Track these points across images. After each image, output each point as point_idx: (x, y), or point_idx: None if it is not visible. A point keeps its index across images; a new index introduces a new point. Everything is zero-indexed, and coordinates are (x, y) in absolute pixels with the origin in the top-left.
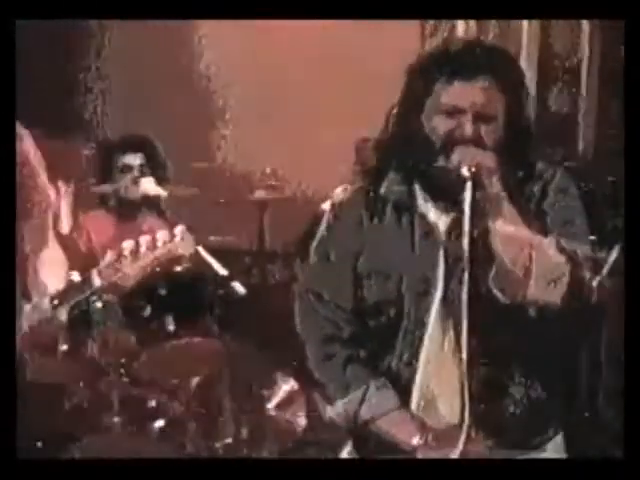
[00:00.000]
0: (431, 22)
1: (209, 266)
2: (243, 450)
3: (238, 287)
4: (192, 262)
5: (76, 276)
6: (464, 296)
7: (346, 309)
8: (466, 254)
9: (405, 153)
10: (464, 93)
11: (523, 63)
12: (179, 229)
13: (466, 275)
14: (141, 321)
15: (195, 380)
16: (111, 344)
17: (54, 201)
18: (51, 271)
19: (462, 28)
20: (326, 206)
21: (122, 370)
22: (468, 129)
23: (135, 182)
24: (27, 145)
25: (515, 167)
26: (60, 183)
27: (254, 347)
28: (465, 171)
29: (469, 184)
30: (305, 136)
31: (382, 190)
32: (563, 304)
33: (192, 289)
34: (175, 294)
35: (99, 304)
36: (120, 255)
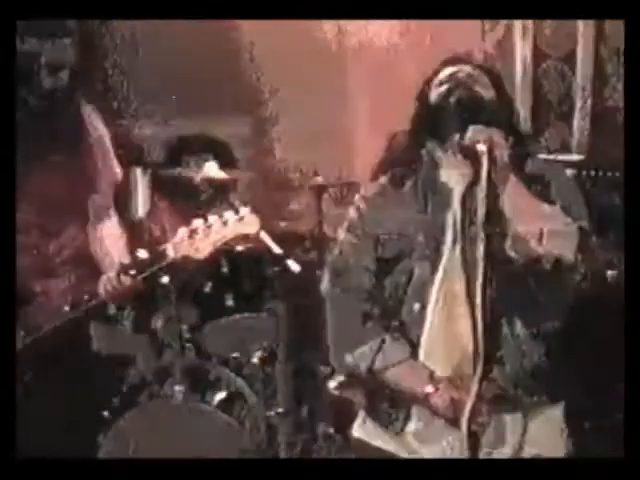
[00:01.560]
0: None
1: (266, 246)
2: (302, 426)
3: (293, 265)
4: (252, 242)
5: (143, 253)
6: (479, 253)
7: (370, 269)
8: (481, 217)
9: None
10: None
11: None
12: (245, 210)
13: (482, 234)
14: (203, 297)
15: (256, 354)
16: (175, 316)
17: (121, 180)
18: (112, 245)
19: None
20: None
21: (185, 342)
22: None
23: (199, 165)
24: (96, 122)
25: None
26: (137, 168)
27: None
28: (481, 146)
29: (485, 157)
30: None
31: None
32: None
33: (251, 267)
34: (235, 272)
35: (165, 279)
36: (192, 231)
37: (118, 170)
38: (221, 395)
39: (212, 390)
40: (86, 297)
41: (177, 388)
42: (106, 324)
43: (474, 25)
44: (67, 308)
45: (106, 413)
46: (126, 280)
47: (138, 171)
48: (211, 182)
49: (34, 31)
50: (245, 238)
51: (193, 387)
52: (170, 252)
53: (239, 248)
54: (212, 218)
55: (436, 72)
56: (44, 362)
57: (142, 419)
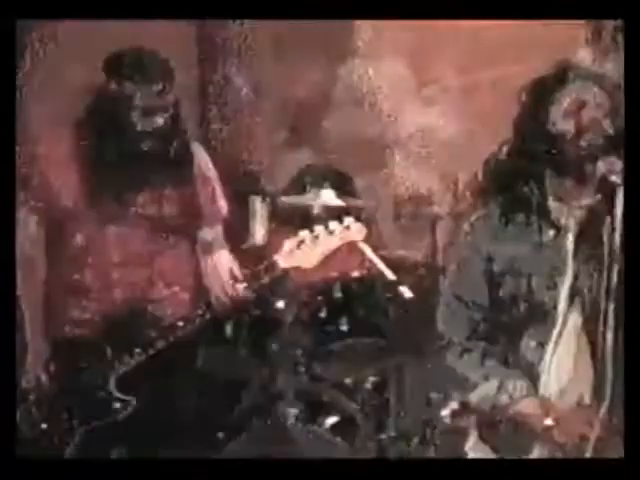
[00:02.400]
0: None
1: (380, 272)
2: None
3: (405, 291)
4: (365, 268)
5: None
6: (602, 291)
7: (483, 307)
8: (618, 249)
9: (535, 158)
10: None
11: None
12: (349, 219)
13: (616, 267)
14: (318, 321)
15: (369, 379)
16: (290, 341)
17: (226, 213)
18: (224, 273)
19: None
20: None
21: (299, 366)
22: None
23: (317, 194)
24: (202, 158)
25: None
26: (255, 197)
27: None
28: (616, 178)
29: (621, 190)
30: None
31: (513, 195)
32: None
33: (364, 293)
34: (349, 297)
35: (281, 304)
36: (300, 242)
37: (224, 204)
38: (333, 419)
39: (324, 413)
40: (199, 312)
41: (290, 411)
42: (222, 346)
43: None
44: (181, 323)
45: (220, 435)
46: (238, 292)
47: (257, 200)
48: (328, 210)
49: (128, 74)
50: (360, 263)
51: (306, 410)
52: (280, 263)
53: (354, 274)
54: (318, 228)
55: (550, 90)
56: (157, 379)
57: (255, 441)
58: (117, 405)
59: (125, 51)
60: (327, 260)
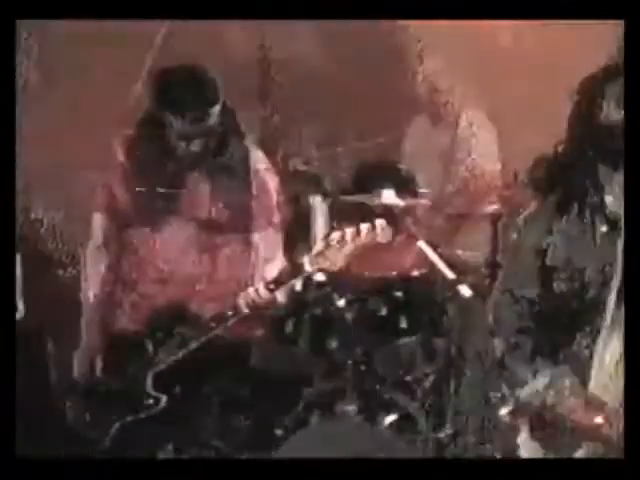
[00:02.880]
0: None
1: (440, 271)
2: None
3: (465, 290)
4: (425, 267)
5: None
6: None
7: (534, 301)
8: None
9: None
10: None
11: None
12: (379, 221)
13: None
14: (378, 319)
15: (428, 377)
16: (350, 338)
17: (284, 216)
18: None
19: None
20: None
21: (359, 364)
22: None
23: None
24: (259, 161)
25: None
26: (316, 197)
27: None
28: None
29: None
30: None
31: (567, 189)
32: None
33: (424, 291)
34: (409, 295)
35: (341, 302)
36: (328, 243)
37: (281, 208)
38: (392, 417)
39: (384, 412)
40: (230, 312)
41: (350, 409)
42: (282, 344)
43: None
44: (213, 324)
45: (279, 431)
46: (265, 294)
47: (317, 199)
48: (389, 209)
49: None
50: (420, 261)
51: (365, 408)
52: (307, 266)
53: (414, 273)
54: (348, 230)
55: (600, 87)
56: (194, 377)
57: (314, 438)
58: (150, 401)
59: (172, 72)
60: (384, 259)
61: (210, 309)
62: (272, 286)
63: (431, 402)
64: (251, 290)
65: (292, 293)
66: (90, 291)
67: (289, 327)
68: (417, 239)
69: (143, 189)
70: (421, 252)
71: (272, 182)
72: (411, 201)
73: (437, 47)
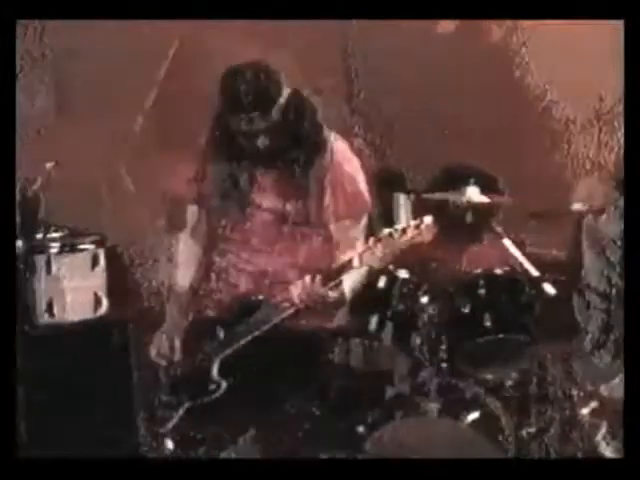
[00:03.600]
0: None
1: (524, 268)
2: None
3: (549, 288)
4: (509, 265)
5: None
6: None
7: (615, 298)
8: None
9: None
10: None
11: None
12: (427, 219)
13: None
14: (461, 317)
15: (511, 375)
16: (433, 336)
17: (369, 207)
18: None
19: None
20: None
21: (442, 362)
22: None
23: (462, 190)
24: (340, 152)
25: None
26: (400, 195)
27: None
28: None
29: None
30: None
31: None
32: None
33: (508, 289)
34: (493, 293)
35: (425, 299)
36: (377, 241)
37: (368, 199)
38: (474, 415)
39: (466, 409)
40: (286, 305)
41: (432, 406)
42: (366, 340)
43: None
44: (275, 313)
45: (361, 428)
46: (315, 288)
47: (401, 197)
48: (473, 207)
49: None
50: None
51: (448, 405)
52: (356, 262)
53: (498, 271)
54: (398, 227)
55: None
56: (257, 365)
57: (396, 435)
58: (212, 387)
59: (235, 71)
60: (469, 256)
61: (279, 301)
62: (325, 280)
63: (514, 400)
64: (307, 281)
65: (356, 289)
66: (179, 279)
67: (373, 323)
68: (501, 237)
69: (225, 183)
70: (505, 250)
71: (354, 174)
72: (496, 198)
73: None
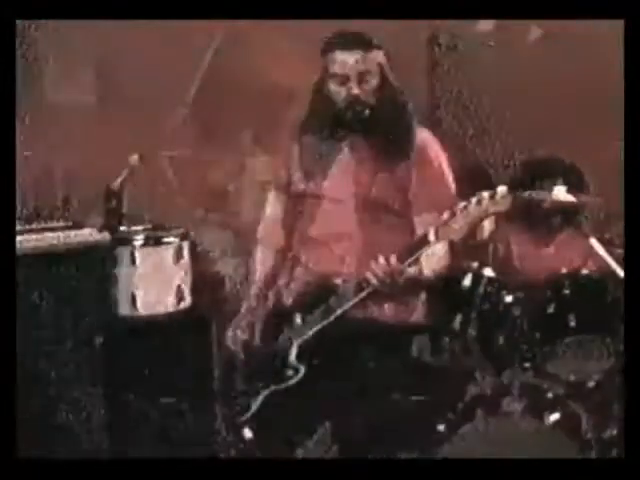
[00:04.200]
0: None
1: (610, 269)
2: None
3: None
4: (596, 265)
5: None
6: None
7: None
8: None
9: None
10: None
11: None
12: (501, 189)
13: None
14: (546, 317)
15: (594, 376)
16: (517, 335)
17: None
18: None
19: None
20: None
21: (525, 361)
22: None
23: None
24: (427, 142)
25: None
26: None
27: None
28: None
29: None
30: None
31: None
32: None
33: (593, 289)
34: (577, 293)
35: (509, 298)
36: (452, 214)
37: (453, 195)
38: (556, 415)
39: (549, 410)
40: (364, 284)
41: (515, 406)
42: (451, 337)
43: None
44: (350, 296)
45: (441, 427)
46: (395, 264)
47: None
48: (560, 206)
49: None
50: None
51: (530, 406)
52: (431, 237)
53: (584, 271)
54: (473, 199)
55: None
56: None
57: (478, 435)
58: (290, 372)
59: (336, 39)
60: (554, 255)
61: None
62: (402, 257)
63: (596, 402)
64: (381, 260)
65: (437, 271)
66: (260, 264)
67: (457, 322)
68: (588, 236)
69: (309, 167)
70: (591, 249)
71: (441, 169)
72: (583, 198)
73: None
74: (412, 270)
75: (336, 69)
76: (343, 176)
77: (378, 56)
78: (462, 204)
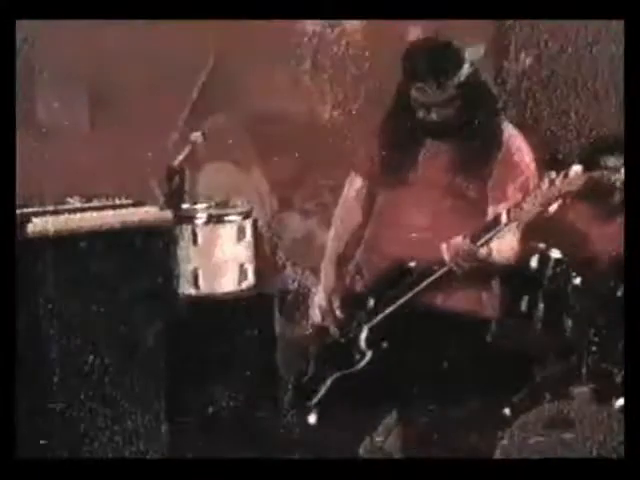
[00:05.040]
0: None
1: None
2: None
3: None
4: None
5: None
6: None
7: None
8: None
9: None
10: None
11: None
12: (574, 168)
13: None
14: (615, 300)
15: None
16: (584, 318)
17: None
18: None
19: None
20: None
21: (593, 345)
22: None
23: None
24: (513, 141)
25: None
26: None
27: None
28: None
29: None
30: None
31: None
32: None
33: None
34: None
35: (577, 280)
36: (524, 196)
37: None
38: (622, 400)
39: (616, 394)
40: (435, 267)
41: (582, 390)
42: (517, 320)
43: None
44: (420, 278)
45: (507, 410)
46: (469, 245)
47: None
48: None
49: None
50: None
51: (597, 390)
52: (503, 218)
53: None
54: (545, 179)
55: None
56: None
57: (544, 419)
58: (357, 356)
59: (419, 46)
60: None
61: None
62: (475, 238)
63: None
64: (458, 240)
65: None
66: (335, 249)
67: (524, 304)
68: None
69: (390, 153)
70: None
71: (523, 164)
72: None
73: None
74: (484, 251)
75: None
76: (425, 165)
77: (462, 52)
78: (535, 184)
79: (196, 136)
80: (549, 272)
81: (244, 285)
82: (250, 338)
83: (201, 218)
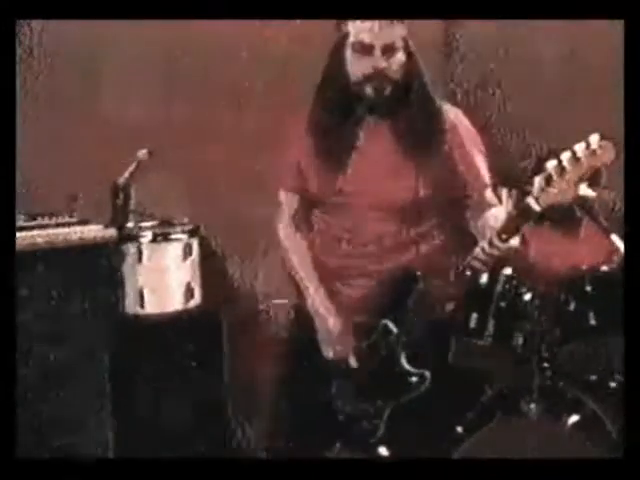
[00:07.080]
0: None
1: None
2: None
3: None
4: (617, 262)
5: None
6: None
7: None
8: None
9: None
10: None
11: None
12: (593, 138)
13: None
14: (566, 315)
15: (615, 377)
16: (536, 335)
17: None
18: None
19: None
20: None
21: (544, 361)
22: None
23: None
24: (457, 121)
25: None
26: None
27: None
28: None
29: None
30: None
31: None
32: None
33: (614, 287)
34: (598, 290)
35: (528, 296)
36: (548, 178)
37: (485, 175)
38: (575, 417)
39: (567, 411)
40: (460, 268)
41: (533, 406)
42: (467, 337)
43: None
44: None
45: (459, 429)
46: (500, 244)
47: (504, 191)
48: (580, 200)
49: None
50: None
51: (548, 407)
52: (534, 206)
53: (604, 268)
54: (564, 156)
55: None
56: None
57: (495, 436)
58: (413, 379)
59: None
60: (574, 252)
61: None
62: (504, 235)
63: (617, 403)
64: (484, 245)
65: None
66: (310, 281)
67: (473, 321)
68: (609, 232)
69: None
70: (613, 246)
71: (470, 145)
72: (602, 193)
73: None
74: (514, 241)
75: (359, 37)
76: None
77: (403, 29)
78: (553, 163)
79: (142, 153)
80: (499, 288)
81: (191, 304)
82: (197, 359)
83: (146, 236)
